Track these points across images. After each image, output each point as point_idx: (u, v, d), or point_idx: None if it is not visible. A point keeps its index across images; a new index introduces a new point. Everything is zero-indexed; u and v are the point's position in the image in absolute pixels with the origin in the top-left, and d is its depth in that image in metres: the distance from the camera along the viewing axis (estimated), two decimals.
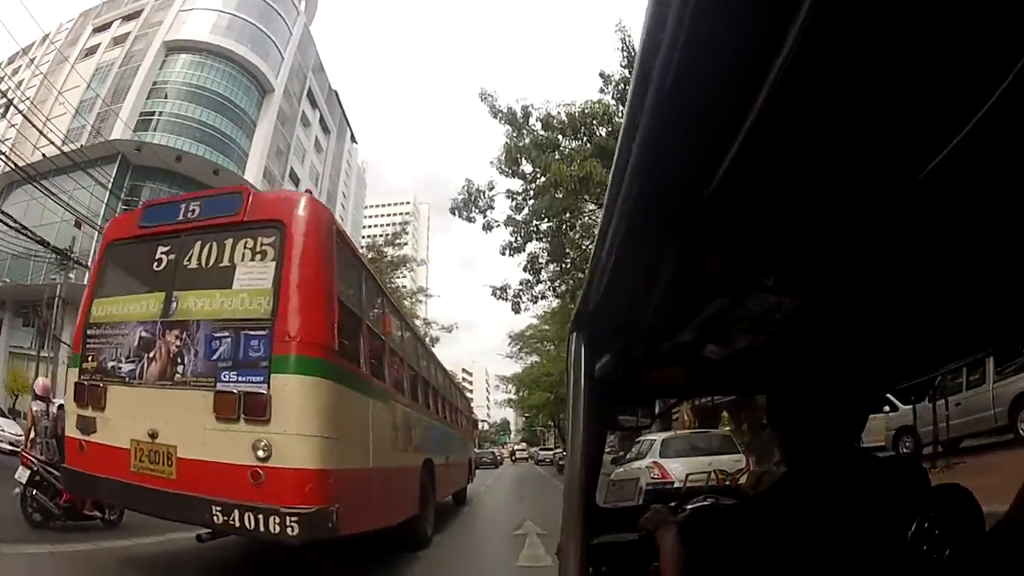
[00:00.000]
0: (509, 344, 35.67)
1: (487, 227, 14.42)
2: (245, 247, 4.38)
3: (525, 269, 15.54)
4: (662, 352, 1.48)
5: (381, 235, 26.51)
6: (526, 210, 14.22)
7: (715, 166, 0.72)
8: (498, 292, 16.35)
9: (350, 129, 54.59)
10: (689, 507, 1.90)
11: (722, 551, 1.21)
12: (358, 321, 5.22)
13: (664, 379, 1.92)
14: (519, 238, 14.82)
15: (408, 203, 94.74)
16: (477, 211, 14.17)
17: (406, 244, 23.80)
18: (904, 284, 1.11)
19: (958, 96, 0.59)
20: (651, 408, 2.16)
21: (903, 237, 0.91)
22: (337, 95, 50.80)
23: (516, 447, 62.77)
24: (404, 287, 25.11)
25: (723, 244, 0.95)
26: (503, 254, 15.04)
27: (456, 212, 14.22)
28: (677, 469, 8.37)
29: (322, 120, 46.05)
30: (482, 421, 52.27)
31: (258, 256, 4.34)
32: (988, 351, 1.86)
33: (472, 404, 20.19)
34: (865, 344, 1.43)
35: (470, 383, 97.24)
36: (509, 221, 14.51)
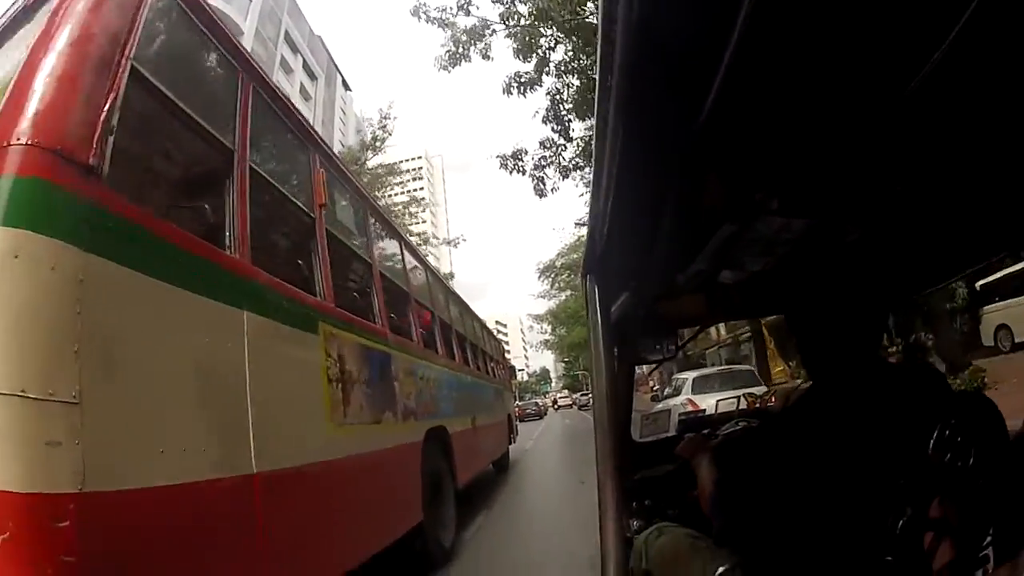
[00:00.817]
0: (539, 279, 32.93)
1: (475, 36, 9.36)
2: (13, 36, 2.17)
3: (545, 120, 10.23)
4: (678, 283, 1.55)
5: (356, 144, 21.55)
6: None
7: (703, 94, 0.69)
8: (510, 162, 11.02)
9: (340, 75, 50.93)
10: (721, 433, 2.00)
11: (752, 469, 1.24)
12: (223, 157, 2.42)
13: (684, 309, 1.96)
14: (524, 56, 9.51)
15: (420, 157, 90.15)
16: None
17: (387, 148, 18.50)
18: (905, 191, 1.11)
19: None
20: (674, 339, 2.18)
21: (896, 145, 0.89)
22: (322, 40, 47.22)
23: (558, 395, 61.78)
24: (398, 204, 20.70)
25: (722, 172, 0.94)
26: (507, 92, 9.78)
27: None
28: (708, 403, 8.93)
29: (306, 65, 42.67)
30: (520, 370, 50.30)
31: (21, 36, 2.11)
32: (1003, 250, 1.73)
33: (510, 356, 16.57)
34: (875, 255, 1.46)
35: (506, 334, 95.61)
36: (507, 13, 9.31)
